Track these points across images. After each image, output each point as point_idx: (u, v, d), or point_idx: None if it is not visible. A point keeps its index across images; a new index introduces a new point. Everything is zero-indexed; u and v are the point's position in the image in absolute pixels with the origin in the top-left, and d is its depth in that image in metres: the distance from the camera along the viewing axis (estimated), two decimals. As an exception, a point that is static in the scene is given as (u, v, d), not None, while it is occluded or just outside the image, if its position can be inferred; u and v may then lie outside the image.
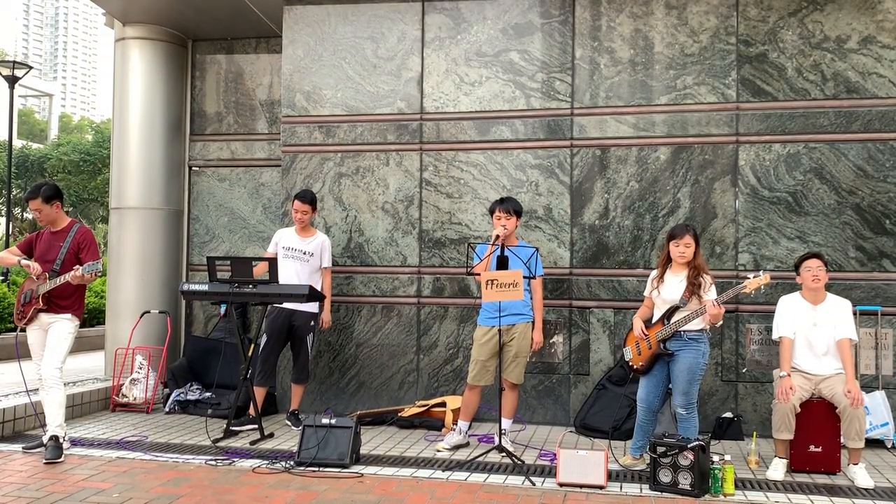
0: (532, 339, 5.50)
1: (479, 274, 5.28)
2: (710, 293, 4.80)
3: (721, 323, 4.87)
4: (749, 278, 4.82)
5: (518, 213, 5.54)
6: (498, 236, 5.37)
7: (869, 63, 6.14)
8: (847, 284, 5.99)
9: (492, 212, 5.55)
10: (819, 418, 4.98)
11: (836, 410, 4.90)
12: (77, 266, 5.12)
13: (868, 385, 5.90)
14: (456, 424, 5.70)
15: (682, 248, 4.90)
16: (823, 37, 6.22)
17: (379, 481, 4.69)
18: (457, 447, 5.52)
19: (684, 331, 4.84)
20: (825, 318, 5.05)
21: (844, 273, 6.01)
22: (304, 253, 6.19)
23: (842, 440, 4.96)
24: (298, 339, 6.19)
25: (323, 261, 6.27)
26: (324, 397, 6.83)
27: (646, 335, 4.97)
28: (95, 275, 5.13)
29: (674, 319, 4.84)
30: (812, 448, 4.99)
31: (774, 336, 5.20)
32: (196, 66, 8.08)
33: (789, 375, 4.97)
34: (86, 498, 4.28)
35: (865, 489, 4.64)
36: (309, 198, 6.23)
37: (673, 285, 4.92)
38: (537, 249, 5.48)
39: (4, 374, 7.99)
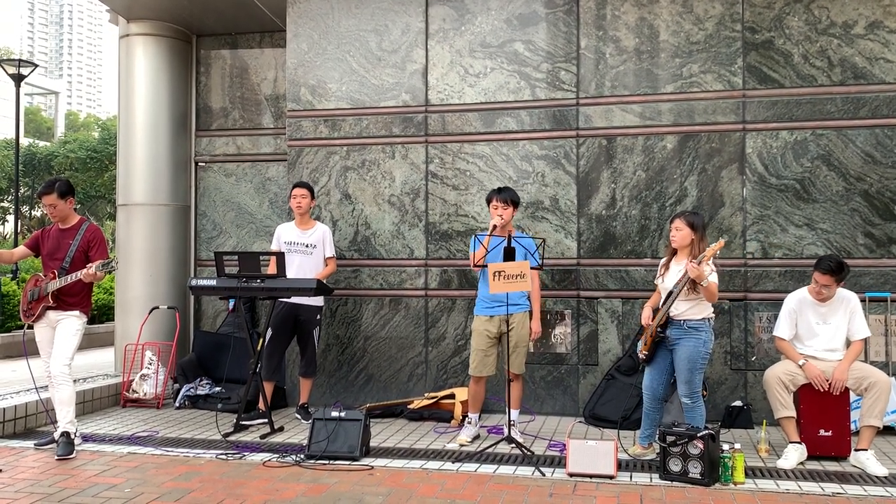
0: (531, 328, 5.51)
1: (485, 265, 5.29)
2: (710, 277, 4.76)
3: (715, 298, 4.81)
4: (710, 245, 4.77)
5: (515, 202, 5.54)
6: (496, 226, 5.38)
7: (876, 48, 6.10)
8: (856, 271, 5.96)
9: (489, 201, 5.56)
10: (829, 402, 4.97)
11: (860, 389, 4.88)
12: (91, 264, 5.14)
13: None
14: (465, 416, 5.71)
15: (673, 232, 4.95)
16: (830, 22, 6.17)
17: (389, 473, 4.70)
18: (475, 439, 5.54)
19: (684, 319, 4.83)
20: (833, 316, 5.03)
21: (853, 260, 5.98)
22: (307, 245, 6.19)
23: (856, 422, 4.95)
24: (304, 332, 6.20)
25: (326, 251, 6.28)
26: (333, 390, 6.84)
27: (649, 324, 4.98)
28: (107, 272, 5.16)
29: (665, 303, 4.85)
30: (822, 432, 4.99)
31: (774, 333, 5.20)
32: (201, 62, 8.08)
33: (808, 362, 4.96)
34: (98, 493, 4.30)
35: (878, 477, 4.63)
36: (307, 184, 6.31)
37: (674, 274, 4.92)
38: (544, 240, 5.46)
39: (16, 371, 8.04)
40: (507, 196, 5.48)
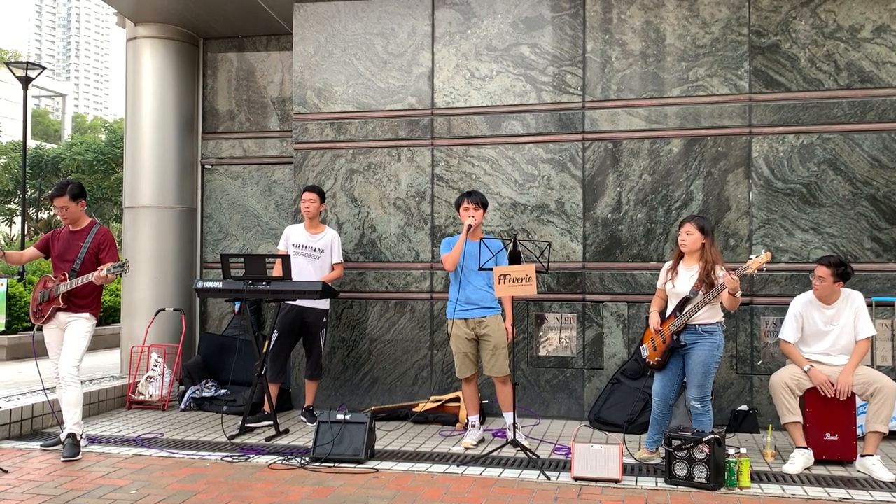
0: (506, 330, 5.52)
1: (489, 269, 5.30)
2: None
3: (738, 306, 4.82)
4: (752, 258, 4.79)
5: (484, 205, 5.59)
6: (470, 227, 5.42)
7: (883, 52, 6.08)
8: (862, 276, 5.94)
9: (458, 205, 5.58)
10: (835, 406, 4.95)
11: (866, 394, 4.86)
12: (102, 266, 5.15)
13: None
14: (469, 420, 5.71)
15: (683, 236, 4.94)
16: (836, 26, 6.16)
17: (394, 476, 4.71)
18: (480, 442, 5.54)
19: (699, 324, 4.82)
20: (838, 318, 5.01)
21: (860, 264, 5.96)
22: (315, 250, 6.20)
23: (863, 427, 4.93)
24: (311, 335, 6.21)
25: (333, 256, 6.29)
26: (338, 393, 6.85)
27: (660, 329, 4.97)
28: (117, 274, 5.18)
29: (685, 310, 4.83)
30: (828, 436, 4.97)
31: (780, 336, 5.19)
32: (207, 65, 8.10)
33: (813, 367, 4.95)
34: (103, 495, 4.31)
35: (884, 482, 4.61)
36: (317, 189, 6.30)
37: (685, 279, 4.91)
38: (549, 244, 5.46)
39: (22, 372, 8.06)
40: (477, 199, 5.53)
